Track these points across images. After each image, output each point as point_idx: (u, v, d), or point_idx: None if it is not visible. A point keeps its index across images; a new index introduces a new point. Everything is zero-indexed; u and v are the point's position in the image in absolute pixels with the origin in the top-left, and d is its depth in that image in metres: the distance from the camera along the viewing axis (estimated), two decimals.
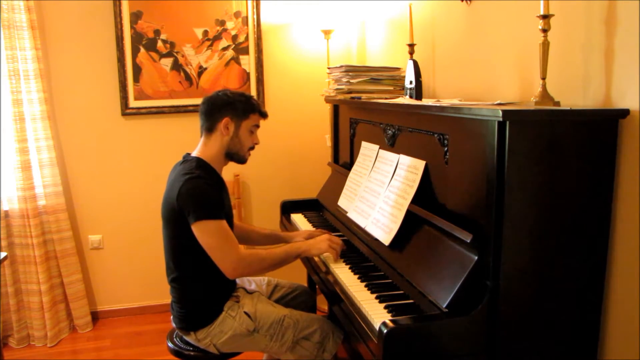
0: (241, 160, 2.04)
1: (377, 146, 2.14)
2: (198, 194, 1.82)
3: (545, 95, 1.49)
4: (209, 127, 1.98)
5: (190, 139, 3.30)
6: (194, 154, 2.00)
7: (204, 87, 3.31)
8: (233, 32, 3.30)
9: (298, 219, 2.61)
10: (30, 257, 3.01)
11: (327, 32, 3.22)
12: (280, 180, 3.50)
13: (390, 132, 2.05)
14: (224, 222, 1.84)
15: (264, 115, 2.04)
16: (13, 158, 2.96)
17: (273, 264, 1.92)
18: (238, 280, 2.11)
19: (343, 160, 2.70)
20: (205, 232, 1.81)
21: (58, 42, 3.12)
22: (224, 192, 2.02)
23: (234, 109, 1.96)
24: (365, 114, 2.34)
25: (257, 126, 2.03)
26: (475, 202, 1.46)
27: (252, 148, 2.04)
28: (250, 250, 1.89)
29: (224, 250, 1.82)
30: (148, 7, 3.17)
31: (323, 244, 1.96)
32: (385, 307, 1.55)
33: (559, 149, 1.35)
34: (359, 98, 2.38)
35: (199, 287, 1.94)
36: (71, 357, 2.96)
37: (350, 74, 2.43)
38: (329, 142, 3.25)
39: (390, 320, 1.35)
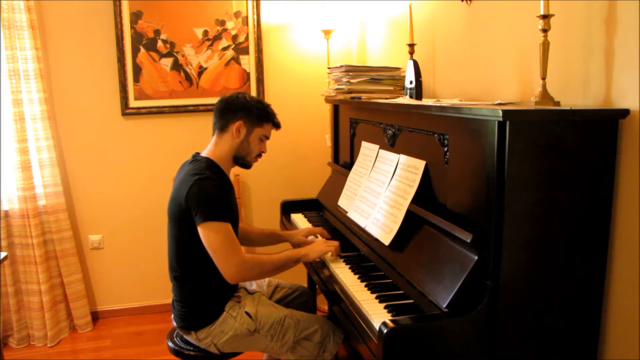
0: (246, 165, 2.05)
1: (377, 146, 2.14)
2: (207, 195, 1.82)
3: (545, 95, 1.50)
4: (222, 127, 1.98)
5: (190, 139, 3.34)
6: (204, 153, 2.00)
7: (204, 87, 3.31)
8: (233, 32, 3.30)
9: (298, 218, 2.61)
10: (30, 257, 3.01)
11: (327, 32, 3.22)
12: (280, 180, 3.51)
13: (390, 132, 2.05)
14: (229, 226, 1.84)
15: (277, 126, 2.06)
16: (13, 158, 2.96)
17: (273, 269, 1.93)
18: None
19: (343, 160, 2.70)
20: (210, 233, 1.81)
21: (58, 42, 3.12)
22: (231, 194, 2.02)
23: (250, 114, 1.97)
24: (366, 114, 2.35)
25: (267, 137, 2.05)
26: (475, 201, 1.46)
27: (260, 156, 2.06)
28: (252, 255, 1.89)
29: (228, 253, 1.82)
30: (148, 7, 3.17)
31: (321, 247, 1.99)
32: (386, 307, 1.55)
33: (559, 149, 1.35)
34: (359, 98, 2.38)
35: (201, 287, 1.94)
36: (71, 357, 2.97)
37: (351, 73, 2.43)
38: (329, 142, 3.25)
39: (391, 320, 1.35)
